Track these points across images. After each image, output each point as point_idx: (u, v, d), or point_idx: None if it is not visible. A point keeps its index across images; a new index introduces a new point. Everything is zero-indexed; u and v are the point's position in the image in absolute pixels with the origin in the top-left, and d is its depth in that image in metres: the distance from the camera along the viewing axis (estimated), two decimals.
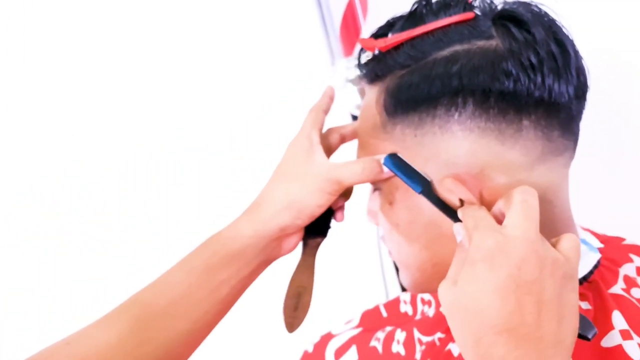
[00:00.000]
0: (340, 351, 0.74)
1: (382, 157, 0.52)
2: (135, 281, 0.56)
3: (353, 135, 0.62)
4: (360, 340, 0.73)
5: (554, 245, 0.45)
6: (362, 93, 1.08)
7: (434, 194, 0.50)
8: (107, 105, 1.20)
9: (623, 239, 0.57)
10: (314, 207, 0.54)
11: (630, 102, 0.88)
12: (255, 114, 1.22)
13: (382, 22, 0.74)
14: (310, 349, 0.79)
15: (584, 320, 0.45)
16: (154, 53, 1.20)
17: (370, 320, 0.77)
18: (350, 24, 1.07)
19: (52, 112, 1.17)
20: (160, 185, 1.25)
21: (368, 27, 1.07)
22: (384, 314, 0.77)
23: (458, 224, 0.48)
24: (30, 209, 1.18)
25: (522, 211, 0.44)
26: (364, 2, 1.07)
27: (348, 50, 1.08)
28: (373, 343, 0.70)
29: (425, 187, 0.50)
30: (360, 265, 1.13)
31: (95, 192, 1.24)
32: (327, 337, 0.78)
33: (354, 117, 1.12)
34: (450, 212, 0.50)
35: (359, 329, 0.76)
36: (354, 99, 1.10)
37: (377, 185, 0.56)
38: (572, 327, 0.43)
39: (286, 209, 0.54)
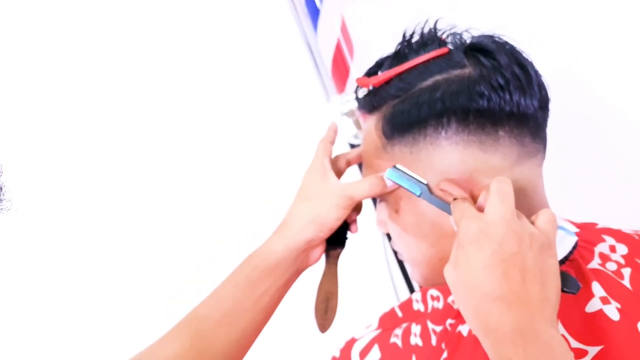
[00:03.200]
0: (364, 352, 0.80)
1: (384, 174, 0.60)
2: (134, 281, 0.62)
3: (357, 159, 0.69)
4: (381, 340, 0.79)
5: (532, 222, 0.52)
6: (356, 124, 1.16)
7: (431, 194, 0.57)
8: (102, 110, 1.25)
9: (596, 224, 0.64)
10: (333, 221, 0.62)
11: (585, 109, 0.96)
12: (261, 147, 1.29)
13: (367, 59, 0.82)
14: (337, 354, 0.85)
15: (569, 279, 0.51)
16: (148, 87, 1.27)
17: (388, 321, 0.83)
18: (339, 64, 1.15)
19: (51, 112, 1.21)
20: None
21: (355, 65, 1.15)
22: (399, 314, 0.83)
23: (452, 219, 0.55)
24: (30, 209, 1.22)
25: (498, 197, 0.51)
26: (350, 45, 1.16)
27: (340, 88, 1.16)
28: (393, 340, 0.76)
29: (423, 190, 0.57)
30: (370, 274, 1.19)
31: (96, 191, 1.28)
32: (351, 342, 0.84)
33: (352, 145, 1.19)
34: (446, 207, 0.56)
35: (379, 330, 0.82)
36: (350, 130, 1.17)
37: (383, 197, 0.63)
38: (554, 287, 0.49)
39: (310, 224, 0.62)
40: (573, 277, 0.52)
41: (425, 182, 0.58)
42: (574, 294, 0.52)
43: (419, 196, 0.58)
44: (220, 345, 0.59)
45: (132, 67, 1.29)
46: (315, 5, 1.14)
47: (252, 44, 1.26)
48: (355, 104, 1.15)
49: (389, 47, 0.64)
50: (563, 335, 0.53)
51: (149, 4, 1.26)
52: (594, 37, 0.98)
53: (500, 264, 0.48)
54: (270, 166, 1.30)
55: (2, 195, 0.35)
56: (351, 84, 1.15)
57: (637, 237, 0.62)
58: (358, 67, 1.15)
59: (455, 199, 0.55)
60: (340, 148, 0.78)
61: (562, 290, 0.51)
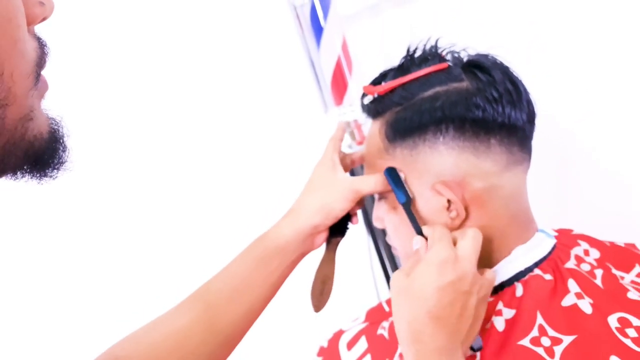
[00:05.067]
0: (352, 343, 0.83)
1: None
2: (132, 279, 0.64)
3: (360, 160, 0.74)
4: (369, 332, 0.82)
5: (481, 273, 0.59)
6: (351, 135, 1.21)
7: (410, 208, 0.63)
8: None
9: (571, 230, 0.69)
10: (339, 211, 0.66)
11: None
12: (261, 154, 1.33)
13: (364, 76, 0.86)
14: (325, 344, 0.88)
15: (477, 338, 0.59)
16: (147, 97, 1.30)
17: (375, 315, 0.86)
18: (339, 79, 1.20)
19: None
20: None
21: (354, 81, 1.20)
22: (386, 308, 0.87)
23: (418, 237, 0.62)
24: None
25: (472, 243, 0.58)
26: (349, 62, 1.21)
27: (338, 101, 1.21)
28: (380, 331, 0.80)
29: (407, 201, 0.63)
30: (354, 272, 1.22)
31: (95, 191, 1.30)
32: (339, 333, 0.87)
33: None
34: (416, 226, 0.63)
35: (366, 323, 0.85)
36: (345, 140, 1.21)
37: (384, 195, 0.67)
38: (476, 330, 0.58)
39: (318, 211, 0.66)
40: (479, 336, 0.60)
41: (412, 196, 0.63)
42: (474, 350, 0.60)
43: (401, 204, 0.63)
44: (229, 318, 0.62)
45: (138, 71, 1.32)
46: (320, 24, 1.19)
47: (258, 57, 1.30)
48: (352, 117, 1.20)
49: (384, 65, 0.69)
50: (542, 325, 0.58)
51: (153, 11, 1.29)
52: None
53: (451, 293, 0.56)
54: (269, 171, 1.33)
55: (67, 157, 0.38)
56: (349, 97, 1.20)
57: (608, 244, 0.66)
58: (356, 82, 1.20)
59: (434, 226, 0.62)
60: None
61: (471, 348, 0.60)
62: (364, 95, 0.69)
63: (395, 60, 0.68)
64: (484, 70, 0.61)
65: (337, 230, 0.71)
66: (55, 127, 0.37)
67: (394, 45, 1.16)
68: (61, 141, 0.37)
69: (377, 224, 0.71)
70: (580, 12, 1.10)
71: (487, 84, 0.60)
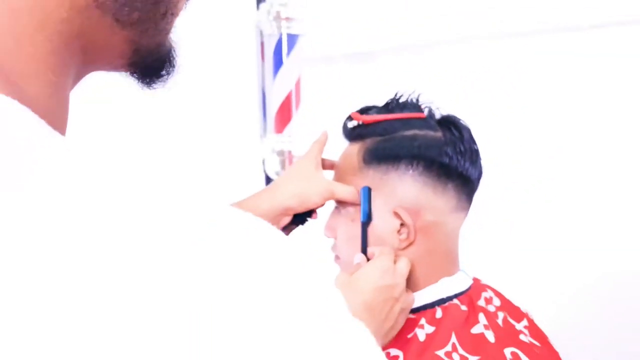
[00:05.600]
0: None
1: (360, 188, 0.73)
2: None
3: (330, 167, 0.81)
4: None
5: (406, 292, 0.72)
6: (282, 164, 1.29)
7: (366, 229, 0.73)
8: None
9: (480, 280, 0.82)
10: (312, 203, 0.75)
11: None
12: (191, 158, 1.36)
13: (310, 114, 0.96)
14: None
15: None
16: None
17: None
18: (285, 110, 1.30)
19: None
20: None
21: (298, 116, 1.29)
22: None
23: (361, 254, 0.73)
24: None
25: (406, 265, 0.72)
26: (298, 99, 1.31)
27: (279, 129, 1.30)
28: None
29: (366, 222, 0.73)
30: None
31: None
32: None
33: (269, 179, 1.30)
34: (364, 245, 0.73)
35: None
36: (274, 167, 1.29)
37: (345, 206, 0.76)
38: (392, 335, 0.70)
39: (296, 197, 0.75)
40: None
41: (371, 219, 0.73)
42: None
43: (361, 222, 0.73)
44: None
45: None
46: (281, 57, 1.29)
47: (213, 69, 1.35)
48: (288, 147, 1.28)
49: (328, 112, 0.82)
50: (454, 343, 0.68)
51: None
52: None
53: (385, 294, 0.68)
54: (197, 176, 1.35)
55: (172, 72, 0.41)
56: (289, 129, 1.29)
57: (505, 297, 0.80)
58: (299, 118, 1.29)
59: (382, 247, 0.73)
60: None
61: None
62: (348, 119, 0.78)
63: (338, 108, 0.80)
64: (456, 128, 0.74)
65: (299, 219, 0.78)
66: (174, 44, 0.42)
67: (341, 94, 1.28)
68: (174, 57, 0.42)
69: (327, 233, 0.79)
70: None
71: (457, 138, 0.73)
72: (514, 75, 1.29)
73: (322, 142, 0.83)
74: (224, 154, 1.34)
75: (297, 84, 1.30)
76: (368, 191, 0.73)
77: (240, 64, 1.34)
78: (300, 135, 1.28)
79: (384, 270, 0.69)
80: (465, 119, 0.77)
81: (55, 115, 0.33)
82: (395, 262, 0.72)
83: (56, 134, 0.31)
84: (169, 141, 1.35)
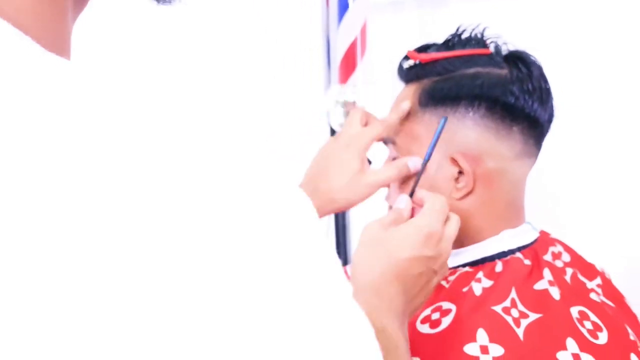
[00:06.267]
0: None
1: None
2: None
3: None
4: None
5: None
6: (346, 115, 1.24)
7: (424, 167, 0.66)
8: None
9: (549, 233, 0.75)
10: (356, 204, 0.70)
11: None
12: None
13: (375, 63, 0.89)
14: None
15: None
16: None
17: None
18: (349, 59, 1.24)
19: None
20: None
21: (363, 64, 1.24)
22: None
23: (406, 197, 0.63)
24: None
25: (455, 228, 0.61)
26: (363, 46, 1.25)
27: (343, 79, 1.24)
28: None
29: (427, 160, 0.66)
30: None
31: None
32: None
33: (333, 131, 1.26)
34: (414, 187, 0.65)
35: None
36: (339, 118, 1.25)
37: (392, 139, 0.70)
38: (420, 308, 0.61)
39: (340, 206, 0.70)
40: None
41: (429, 159, 0.66)
42: None
43: (423, 160, 0.65)
44: None
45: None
46: (347, 2, 1.23)
47: (279, 16, 1.31)
48: (352, 97, 1.24)
49: (394, 58, 0.73)
50: (514, 299, 0.63)
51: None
52: None
53: (423, 266, 0.57)
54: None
55: None
56: (354, 79, 1.24)
57: (577, 252, 0.73)
58: (364, 66, 1.24)
59: (437, 195, 0.62)
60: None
61: None
62: (405, 58, 0.73)
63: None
64: (525, 64, 0.67)
65: None
66: None
67: (409, 42, 1.21)
68: None
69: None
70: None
71: (525, 76, 0.66)
72: None
73: (376, 134, 0.70)
74: (289, 105, 1.31)
75: (363, 30, 1.23)
76: (443, 124, 0.65)
77: (304, 9, 1.30)
78: (365, 86, 1.23)
79: (428, 235, 0.57)
80: None
81: (48, 32, 0.31)
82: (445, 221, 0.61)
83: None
84: (231, 92, 1.34)
